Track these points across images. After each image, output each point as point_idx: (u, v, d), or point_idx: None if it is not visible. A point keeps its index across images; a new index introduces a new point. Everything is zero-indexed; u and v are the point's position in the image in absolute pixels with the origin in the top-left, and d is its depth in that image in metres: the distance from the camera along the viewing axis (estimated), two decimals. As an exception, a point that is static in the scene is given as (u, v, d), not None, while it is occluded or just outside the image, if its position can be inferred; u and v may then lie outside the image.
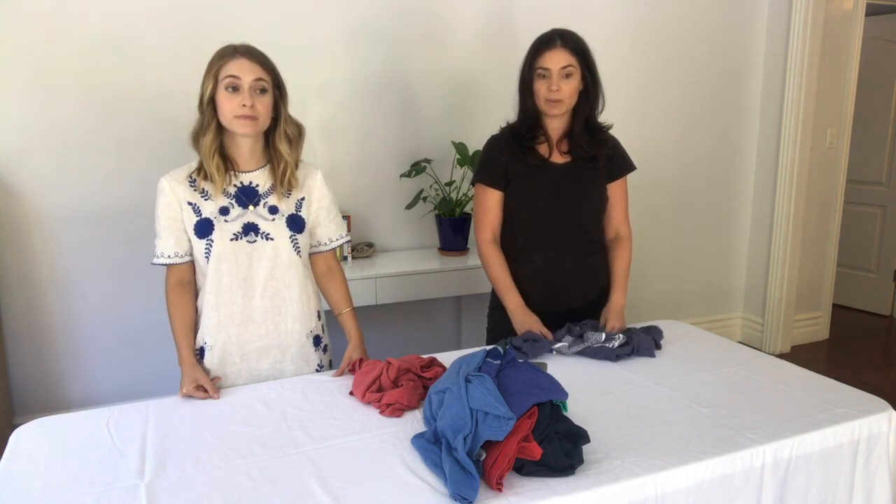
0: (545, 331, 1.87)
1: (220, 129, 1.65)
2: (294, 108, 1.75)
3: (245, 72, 1.59)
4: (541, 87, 1.88)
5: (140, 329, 2.85)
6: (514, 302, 1.95)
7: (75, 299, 2.78)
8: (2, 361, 2.68)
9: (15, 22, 2.53)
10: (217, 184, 1.65)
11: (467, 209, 3.06)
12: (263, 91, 1.62)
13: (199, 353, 1.73)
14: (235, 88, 1.59)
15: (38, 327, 2.76)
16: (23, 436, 1.40)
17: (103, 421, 1.45)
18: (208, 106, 1.62)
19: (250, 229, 1.68)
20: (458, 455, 1.16)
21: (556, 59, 1.86)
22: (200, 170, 1.67)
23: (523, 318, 1.91)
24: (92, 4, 2.61)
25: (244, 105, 1.58)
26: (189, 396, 1.57)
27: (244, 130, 1.62)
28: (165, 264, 1.69)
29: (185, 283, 1.71)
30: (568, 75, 1.86)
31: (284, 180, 1.70)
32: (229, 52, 1.62)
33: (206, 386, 1.58)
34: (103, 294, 2.81)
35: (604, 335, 1.83)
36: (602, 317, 1.95)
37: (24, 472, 1.25)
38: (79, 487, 1.19)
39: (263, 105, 1.62)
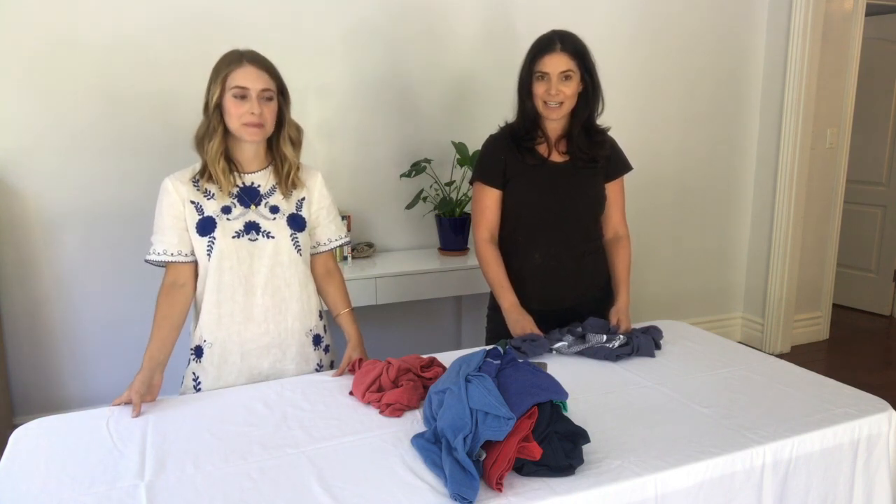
0: (538, 331, 1.87)
1: (226, 134, 1.67)
2: (294, 109, 1.77)
3: (253, 81, 1.61)
4: (539, 90, 1.88)
5: (140, 329, 2.82)
6: (508, 301, 1.95)
7: (75, 299, 2.78)
8: (2, 361, 2.68)
9: (20, 22, 2.53)
10: (223, 186, 1.67)
11: (467, 209, 3.06)
12: (269, 99, 1.65)
13: (197, 351, 1.73)
14: (243, 97, 1.61)
15: (38, 327, 2.76)
16: (23, 436, 1.40)
17: (103, 421, 1.44)
18: (214, 111, 1.64)
19: (252, 228, 1.69)
20: (458, 455, 1.16)
21: (556, 63, 1.85)
22: (204, 171, 1.68)
23: (517, 318, 1.91)
24: (96, 6, 2.61)
25: (252, 113, 1.61)
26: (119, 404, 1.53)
27: (252, 138, 1.65)
28: (165, 262, 1.69)
29: (178, 285, 1.70)
30: (567, 78, 1.86)
31: (289, 181, 1.73)
32: (236, 59, 1.63)
33: (133, 402, 1.51)
34: (103, 294, 2.81)
35: (605, 336, 1.82)
36: (612, 318, 1.95)
37: (24, 472, 1.25)
38: (79, 487, 1.19)
39: (270, 112, 1.65)
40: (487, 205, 2.00)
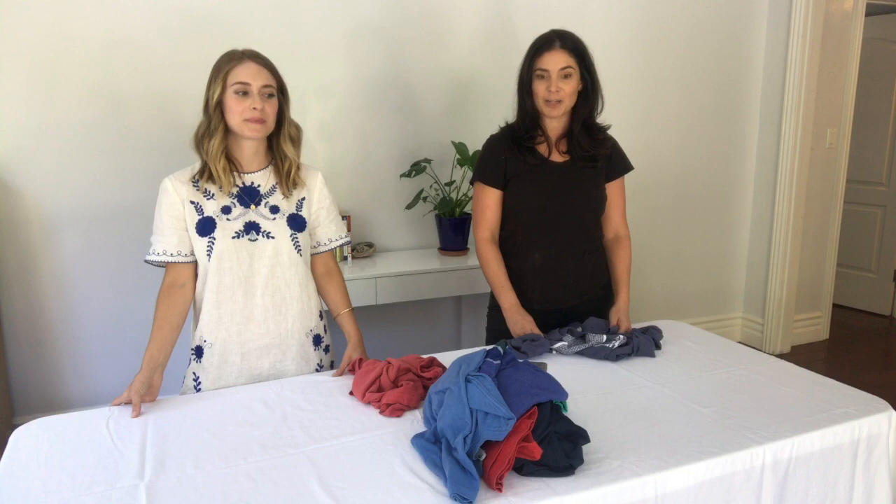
0: (538, 331, 1.88)
1: (226, 133, 1.67)
2: (294, 109, 1.77)
3: (254, 77, 1.62)
4: (540, 88, 1.88)
5: (140, 329, 2.85)
6: (508, 301, 1.96)
7: (75, 299, 2.78)
8: (2, 361, 2.68)
9: (19, 22, 2.53)
10: (224, 185, 1.66)
11: (467, 209, 3.07)
12: (270, 96, 1.65)
13: (197, 352, 1.73)
14: (245, 93, 1.61)
15: (38, 327, 2.76)
16: (23, 436, 1.40)
17: (103, 421, 1.45)
18: (215, 110, 1.64)
19: (252, 228, 1.69)
20: (458, 455, 1.16)
21: (555, 61, 1.86)
22: (203, 171, 1.68)
23: (517, 318, 1.91)
24: (96, 6, 2.61)
25: (254, 108, 1.61)
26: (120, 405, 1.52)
27: (253, 134, 1.65)
28: (164, 262, 1.69)
29: (178, 286, 1.70)
30: (567, 76, 1.87)
31: (290, 179, 1.73)
32: (237, 57, 1.64)
33: (133, 402, 1.50)
34: (103, 294, 2.81)
35: (605, 336, 1.83)
36: (612, 318, 1.95)
37: (24, 472, 1.25)
38: (79, 487, 1.19)
39: (271, 108, 1.66)
40: (488, 205, 2.00)
